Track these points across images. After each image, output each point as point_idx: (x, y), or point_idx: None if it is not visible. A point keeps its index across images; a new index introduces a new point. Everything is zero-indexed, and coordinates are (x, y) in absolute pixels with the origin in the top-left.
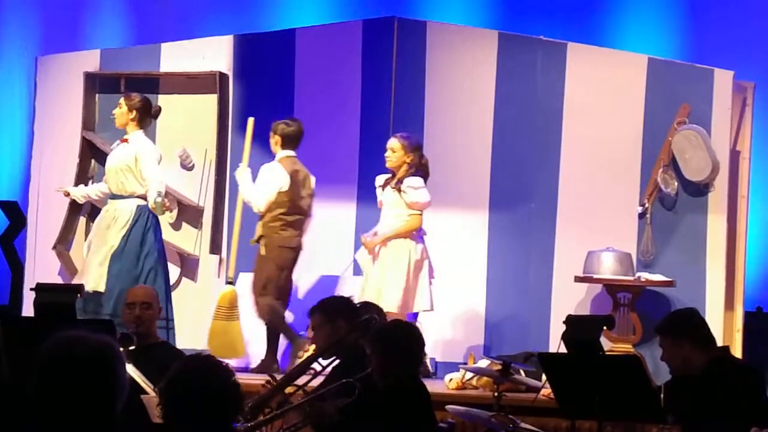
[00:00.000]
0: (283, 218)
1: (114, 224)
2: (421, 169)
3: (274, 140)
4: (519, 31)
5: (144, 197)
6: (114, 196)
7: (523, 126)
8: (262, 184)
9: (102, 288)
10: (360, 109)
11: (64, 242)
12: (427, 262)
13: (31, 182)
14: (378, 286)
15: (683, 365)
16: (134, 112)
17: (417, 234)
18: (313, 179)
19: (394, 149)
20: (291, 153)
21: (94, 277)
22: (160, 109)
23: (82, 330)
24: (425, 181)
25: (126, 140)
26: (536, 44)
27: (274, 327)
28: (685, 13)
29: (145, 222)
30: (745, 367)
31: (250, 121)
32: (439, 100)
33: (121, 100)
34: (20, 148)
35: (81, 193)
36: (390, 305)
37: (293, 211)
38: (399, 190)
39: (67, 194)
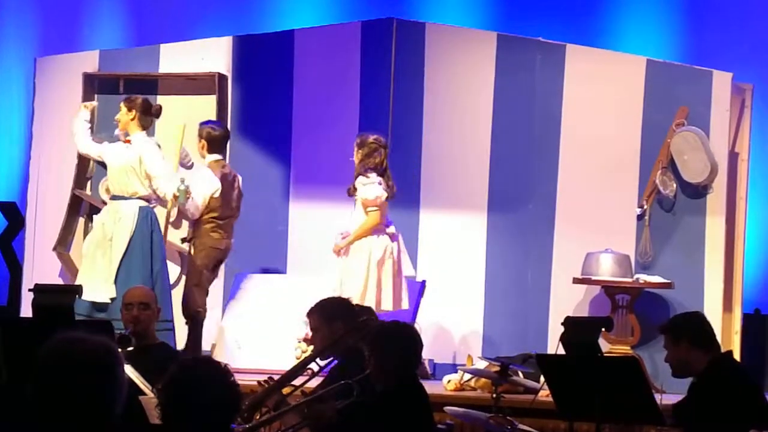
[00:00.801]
0: (215, 221)
1: (118, 225)
2: (371, 164)
3: (201, 144)
4: (517, 33)
5: (146, 198)
6: (115, 197)
7: (521, 127)
8: (195, 192)
9: (113, 295)
10: (359, 111)
11: (63, 243)
12: (391, 261)
13: (30, 183)
14: (337, 288)
15: (682, 365)
16: (133, 112)
17: (379, 231)
18: (240, 178)
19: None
20: (218, 156)
21: (103, 287)
22: (160, 107)
23: (80, 331)
24: (381, 176)
25: (129, 141)
26: (535, 45)
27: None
28: (684, 14)
29: (150, 223)
30: (745, 370)
31: (180, 127)
32: (437, 101)
33: (122, 104)
34: (19, 148)
35: (81, 121)
36: None
37: (225, 214)
38: (354, 190)
39: (89, 108)
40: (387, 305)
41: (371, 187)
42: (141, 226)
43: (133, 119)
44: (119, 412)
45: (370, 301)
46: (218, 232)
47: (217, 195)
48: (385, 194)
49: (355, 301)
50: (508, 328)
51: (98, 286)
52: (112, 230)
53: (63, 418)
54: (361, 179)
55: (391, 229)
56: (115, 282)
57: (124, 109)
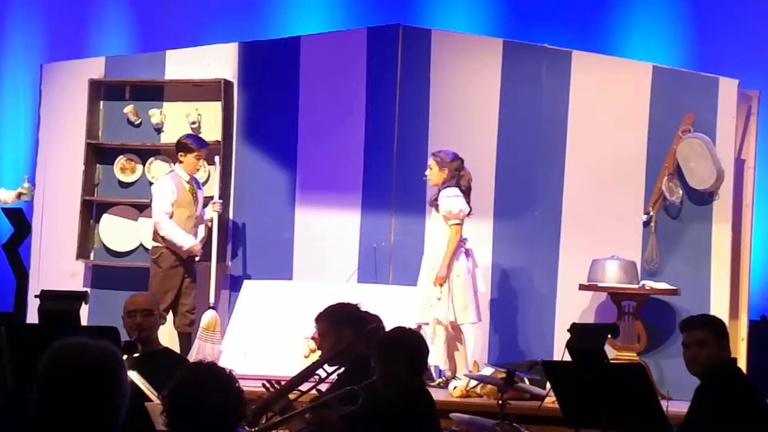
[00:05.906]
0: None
1: None
2: (458, 181)
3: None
4: (523, 39)
5: None
6: None
7: (527, 134)
8: None
9: None
10: (365, 117)
11: (85, 252)
12: (470, 276)
13: (36, 189)
14: (435, 304)
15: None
16: None
17: (459, 246)
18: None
19: (431, 167)
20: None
21: None
22: None
23: (85, 337)
24: (464, 193)
25: None
26: (541, 52)
27: None
28: (690, 21)
29: None
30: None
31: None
32: (443, 107)
33: None
34: (25, 155)
35: None
36: (442, 320)
37: None
38: (436, 206)
39: None
40: (470, 318)
41: (456, 200)
42: None
43: None
44: (123, 419)
45: (449, 316)
46: None
47: None
48: (468, 209)
49: (445, 317)
50: (514, 334)
51: None
52: None
53: (66, 424)
54: (446, 191)
55: (468, 245)
56: None
57: None
